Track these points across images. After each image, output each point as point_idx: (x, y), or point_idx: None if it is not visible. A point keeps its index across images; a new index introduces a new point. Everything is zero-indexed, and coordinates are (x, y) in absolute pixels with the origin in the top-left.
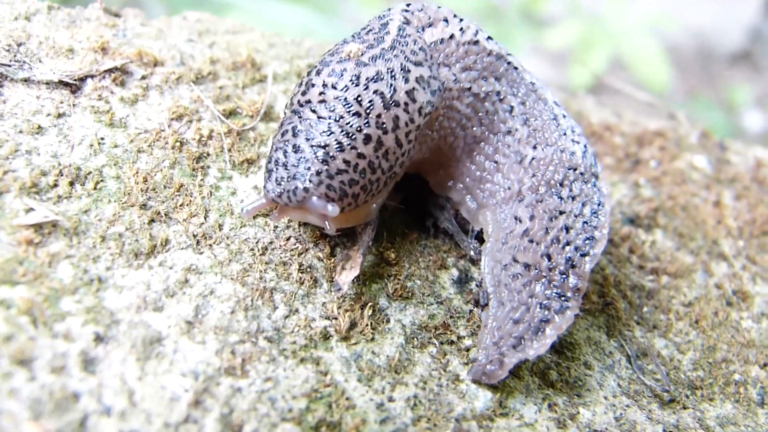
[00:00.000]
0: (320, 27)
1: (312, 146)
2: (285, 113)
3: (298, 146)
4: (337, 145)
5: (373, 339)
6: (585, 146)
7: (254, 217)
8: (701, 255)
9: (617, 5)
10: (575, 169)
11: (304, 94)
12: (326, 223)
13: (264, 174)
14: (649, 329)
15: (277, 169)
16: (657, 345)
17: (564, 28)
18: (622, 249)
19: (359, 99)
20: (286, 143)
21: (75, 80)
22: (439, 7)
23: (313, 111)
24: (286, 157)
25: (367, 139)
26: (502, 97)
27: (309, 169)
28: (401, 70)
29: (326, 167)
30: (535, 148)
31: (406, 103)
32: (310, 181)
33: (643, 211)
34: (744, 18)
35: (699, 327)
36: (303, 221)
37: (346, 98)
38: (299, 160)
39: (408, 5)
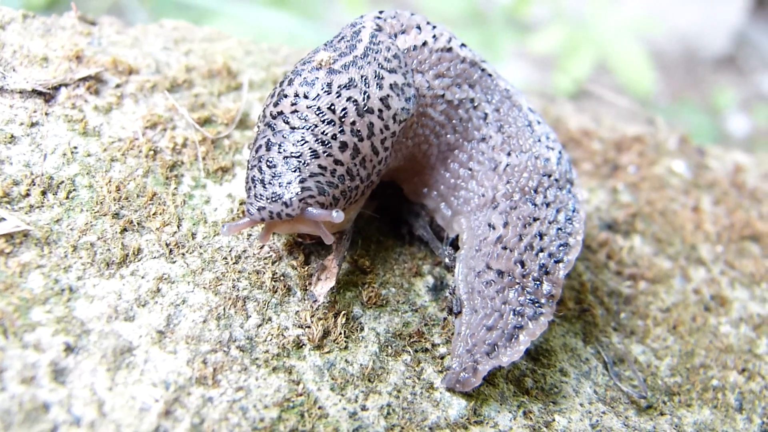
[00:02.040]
0: (306, 32)
1: (287, 157)
2: (258, 126)
3: (273, 160)
4: (312, 153)
5: (346, 347)
6: (560, 152)
7: None
8: (679, 260)
9: (601, 9)
10: (550, 176)
11: (276, 105)
12: (323, 230)
13: (248, 194)
14: (627, 335)
15: (255, 186)
16: (634, 351)
17: (548, 32)
18: (600, 255)
19: (332, 107)
20: (260, 159)
21: (49, 89)
22: (412, 14)
23: (286, 122)
24: (262, 173)
25: (343, 146)
26: (476, 104)
27: (292, 181)
28: (375, 77)
29: (306, 175)
30: (509, 154)
31: (380, 110)
32: (300, 191)
33: (621, 216)
34: (728, 22)
35: (677, 332)
36: (292, 233)
37: (318, 107)
38: (279, 174)
39: (380, 12)
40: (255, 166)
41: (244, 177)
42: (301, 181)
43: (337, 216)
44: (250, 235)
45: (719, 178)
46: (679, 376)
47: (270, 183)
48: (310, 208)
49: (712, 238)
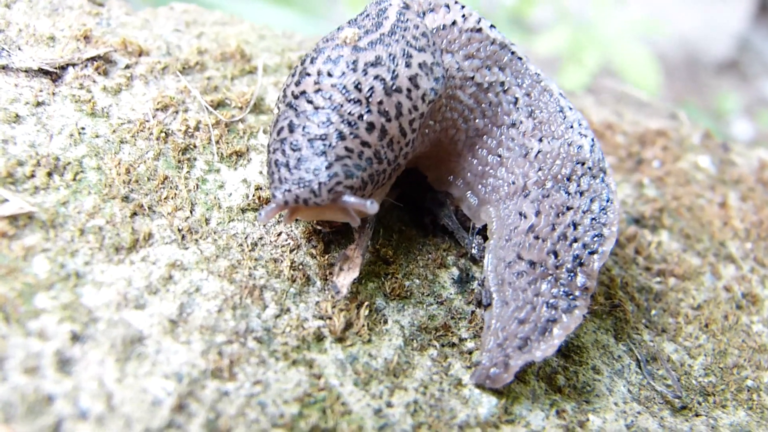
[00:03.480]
0: (307, 28)
1: (312, 139)
2: (278, 108)
3: (298, 142)
4: (338, 135)
5: (369, 341)
6: (593, 140)
7: (243, 211)
8: (708, 257)
9: (605, 12)
10: (583, 164)
11: (298, 84)
12: (353, 215)
13: (271, 179)
14: (658, 333)
15: (280, 170)
16: (666, 349)
17: (553, 34)
18: (628, 249)
19: (358, 85)
20: (283, 142)
21: (55, 68)
22: None
23: (309, 102)
24: (286, 156)
25: (370, 127)
26: (506, 87)
27: (320, 168)
28: (403, 55)
29: (333, 159)
30: (540, 141)
31: (408, 90)
32: (328, 179)
33: (648, 211)
34: (731, 26)
35: (709, 331)
36: (315, 219)
37: (344, 85)
38: (305, 158)
39: None
40: (278, 149)
41: (263, 161)
42: (329, 167)
43: (371, 206)
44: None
45: (745, 175)
46: (713, 376)
47: (296, 167)
48: (344, 196)
49: (740, 235)
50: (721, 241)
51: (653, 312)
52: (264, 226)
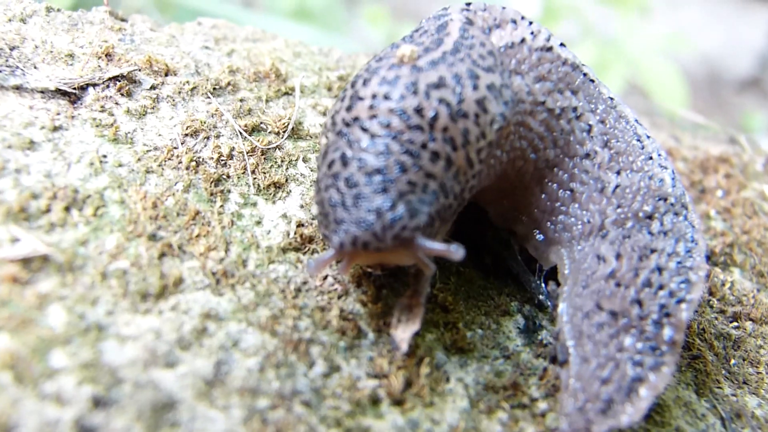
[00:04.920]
0: (330, 44)
1: (370, 173)
2: (327, 137)
3: (353, 177)
4: (399, 167)
5: (431, 403)
6: (673, 171)
7: (284, 251)
8: None
9: (630, 27)
10: (666, 199)
11: (349, 109)
12: (426, 262)
13: (325, 221)
14: (739, 385)
15: (336, 210)
16: (750, 404)
17: (578, 49)
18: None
19: (420, 110)
20: (337, 177)
21: (74, 89)
22: (504, 7)
23: (364, 129)
24: (341, 194)
25: (435, 156)
26: (579, 113)
27: (381, 208)
28: (469, 76)
29: (395, 195)
30: (618, 174)
31: (476, 114)
32: (391, 222)
33: (718, 247)
34: (753, 44)
35: None
36: (376, 264)
37: (403, 110)
38: (363, 195)
39: (468, 4)
40: (330, 185)
41: (303, 192)
42: (392, 206)
43: (457, 252)
44: None
45: None
46: None
47: (355, 206)
48: (419, 240)
49: None
50: None
51: (732, 362)
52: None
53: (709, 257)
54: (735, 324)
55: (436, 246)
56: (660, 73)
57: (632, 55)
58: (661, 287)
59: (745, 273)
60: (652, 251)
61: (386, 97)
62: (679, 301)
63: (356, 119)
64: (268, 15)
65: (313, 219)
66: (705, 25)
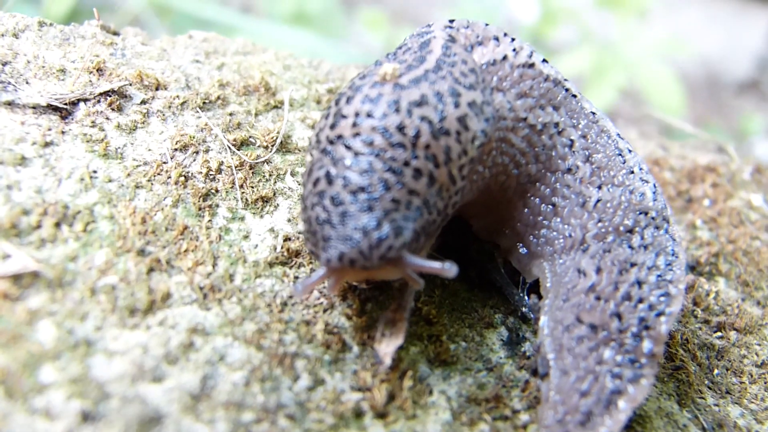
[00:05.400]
0: (327, 50)
1: (355, 192)
2: (312, 155)
3: (339, 196)
4: (383, 184)
5: (414, 416)
6: (654, 185)
7: (270, 266)
8: None
9: (628, 31)
10: (646, 213)
11: (333, 127)
12: (415, 278)
13: (313, 238)
14: (722, 395)
15: (324, 228)
16: (732, 413)
17: (576, 54)
18: (686, 301)
19: (402, 128)
20: (322, 195)
21: (66, 104)
22: (486, 24)
23: (348, 147)
24: (327, 212)
25: (417, 173)
26: (561, 129)
27: (367, 227)
28: (451, 94)
29: (380, 214)
30: (599, 188)
31: (458, 132)
32: (377, 242)
33: (704, 256)
34: (751, 47)
35: None
36: (366, 280)
37: (385, 128)
38: (349, 214)
39: (451, 21)
40: (316, 204)
41: (291, 206)
42: (378, 225)
43: (449, 270)
44: (296, 277)
45: None
46: None
47: (342, 224)
48: (408, 258)
49: None
50: None
51: (716, 371)
52: (293, 281)
53: (694, 267)
54: (719, 334)
55: (429, 264)
56: (657, 78)
57: (630, 60)
58: (640, 300)
59: (730, 282)
60: (632, 265)
61: (369, 115)
62: (659, 314)
63: (340, 137)
64: (267, 20)
65: (299, 233)
66: (703, 27)
